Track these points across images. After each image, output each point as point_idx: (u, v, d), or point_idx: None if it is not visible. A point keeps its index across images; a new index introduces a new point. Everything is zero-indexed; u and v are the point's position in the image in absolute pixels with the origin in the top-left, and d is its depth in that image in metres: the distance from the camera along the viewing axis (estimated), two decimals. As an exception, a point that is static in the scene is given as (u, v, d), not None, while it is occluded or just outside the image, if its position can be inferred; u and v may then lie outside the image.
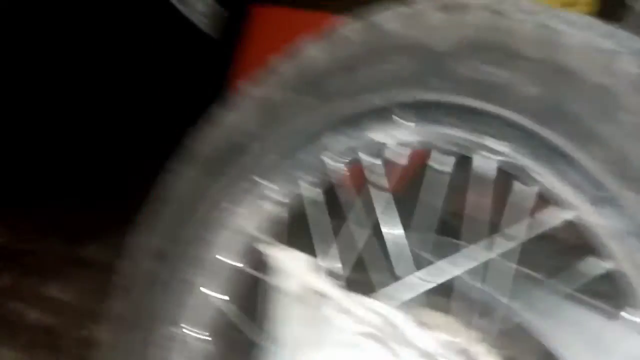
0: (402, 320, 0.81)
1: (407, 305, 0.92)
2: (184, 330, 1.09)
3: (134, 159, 3.44)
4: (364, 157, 0.99)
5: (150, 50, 3.67)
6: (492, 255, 0.84)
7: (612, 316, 0.78)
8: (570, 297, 0.93)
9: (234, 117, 1.05)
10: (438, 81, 0.88)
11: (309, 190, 1.03)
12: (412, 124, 0.93)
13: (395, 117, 0.94)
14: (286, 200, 1.04)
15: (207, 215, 1.05)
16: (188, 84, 3.50)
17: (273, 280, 0.85)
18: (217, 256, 1.06)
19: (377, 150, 0.98)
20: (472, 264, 0.86)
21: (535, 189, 0.83)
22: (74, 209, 3.06)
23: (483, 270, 1.01)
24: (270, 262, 0.87)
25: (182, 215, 1.08)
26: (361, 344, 0.80)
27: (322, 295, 0.84)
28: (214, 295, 1.09)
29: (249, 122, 1.03)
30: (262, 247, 0.91)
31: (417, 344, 0.79)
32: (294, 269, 0.83)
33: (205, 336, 1.11)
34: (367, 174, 1.00)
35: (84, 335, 2.11)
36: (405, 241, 1.14)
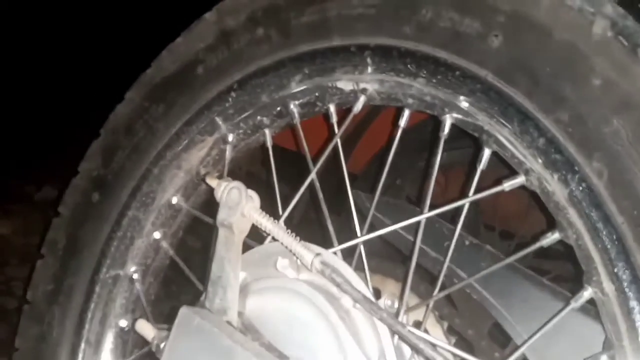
0: (345, 267, 0.77)
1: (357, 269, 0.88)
2: (130, 270, 1.03)
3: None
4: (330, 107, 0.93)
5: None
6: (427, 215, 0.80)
7: (565, 298, 0.75)
8: (526, 277, 0.90)
9: (183, 42, 0.98)
10: (401, 25, 0.82)
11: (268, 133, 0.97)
12: (370, 68, 0.87)
13: (355, 58, 0.88)
14: (232, 139, 0.98)
15: (146, 143, 0.99)
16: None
17: (218, 214, 0.79)
18: (156, 187, 1.00)
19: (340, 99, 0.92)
20: (414, 223, 0.81)
21: (489, 151, 0.79)
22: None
23: (437, 239, 0.97)
24: (216, 195, 0.81)
25: (119, 140, 1.01)
26: (303, 290, 0.75)
27: (265, 232, 0.79)
28: (160, 236, 1.03)
29: (197, 47, 0.96)
30: (208, 180, 0.85)
31: (357, 291, 0.74)
32: (241, 205, 0.77)
33: (148, 279, 1.06)
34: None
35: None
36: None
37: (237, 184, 0.76)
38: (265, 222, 0.74)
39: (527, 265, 0.96)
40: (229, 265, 0.74)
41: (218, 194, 0.77)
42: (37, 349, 1.03)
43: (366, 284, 0.77)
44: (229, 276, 0.74)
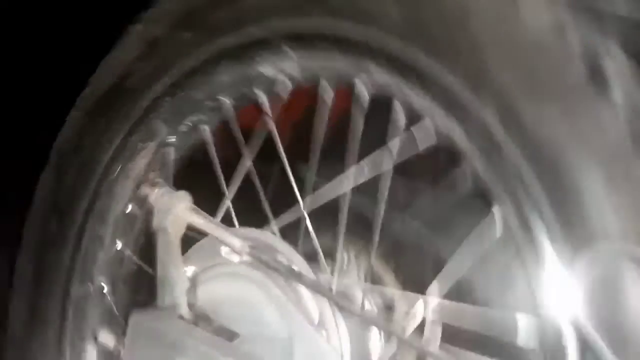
0: (280, 243, 0.80)
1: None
2: (99, 284, 1.06)
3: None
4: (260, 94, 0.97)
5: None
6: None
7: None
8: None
9: (115, 55, 1.01)
10: (313, 6, 0.85)
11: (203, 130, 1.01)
12: (294, 56, 0.91)
13: (280, 48, 0.91)
14: (174, 141, 1.01)
15: (93, 159, 1.02)
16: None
17: (153, 221, 0.84)
18: (106, 201, 1.03)
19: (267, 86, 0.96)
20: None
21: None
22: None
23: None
24: (151, 202, 0.85)
25: (67, 161, 1.04)
26: (244, 271, 0.79)
27: (200, 230, 0.83)
28: (121, 245, 1.07)
29: (128, 58, 0.99)
30: (142, 190, 0.89)
31: (281, 264, 0.77)
32: (172, 207, 0.81)
33: (119, 287, 1.09)
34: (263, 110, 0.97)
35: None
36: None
37: (166, 189, 0.80)
38: (197, 219, 0.78)
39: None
40: (171, 265, 0.78)
41: (151, 201, 0.81)
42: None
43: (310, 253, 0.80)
44: (173, 275, 0.78)
